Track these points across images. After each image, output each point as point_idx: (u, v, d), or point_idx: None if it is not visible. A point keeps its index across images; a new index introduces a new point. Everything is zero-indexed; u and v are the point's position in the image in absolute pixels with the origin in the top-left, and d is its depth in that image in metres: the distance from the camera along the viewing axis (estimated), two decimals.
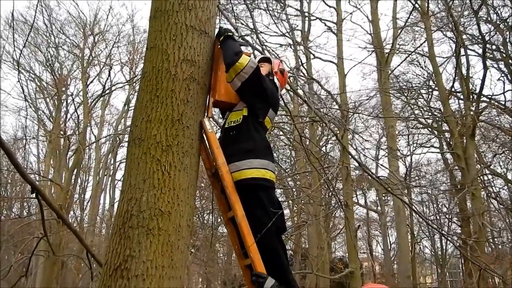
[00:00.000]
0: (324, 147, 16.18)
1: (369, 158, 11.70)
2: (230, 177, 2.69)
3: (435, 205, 22.61)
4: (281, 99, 3.90)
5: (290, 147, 15.47)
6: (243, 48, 2.97)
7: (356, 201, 20.88)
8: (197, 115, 2.65)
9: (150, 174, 2.40)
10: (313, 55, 13.25)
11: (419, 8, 12.83)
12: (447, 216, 19.09)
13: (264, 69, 3.05)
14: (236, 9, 10.32)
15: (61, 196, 13.98)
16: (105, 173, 22.26)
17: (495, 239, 18.07)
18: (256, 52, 3.72)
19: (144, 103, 2.58)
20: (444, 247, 24.39)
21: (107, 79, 19.69)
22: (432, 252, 26.57)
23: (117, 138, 21.33)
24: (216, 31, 2.93)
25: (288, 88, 4.38)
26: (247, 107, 2.88)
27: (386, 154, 13.92)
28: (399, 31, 13.67)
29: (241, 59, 2.74)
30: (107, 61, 19.66)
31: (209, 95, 2.82)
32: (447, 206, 21.23)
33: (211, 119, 2.82)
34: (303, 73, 12.20)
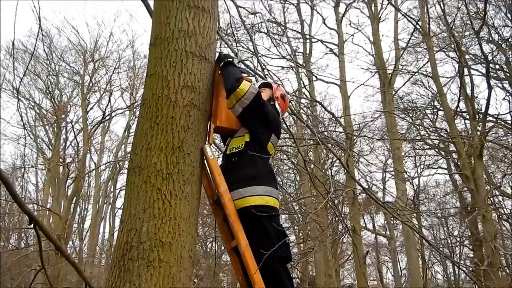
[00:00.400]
0: (329, 170, 16.14)
1: (374, 184, 11.62)
2: (232, 204, 2.68)
3: (445, 229, 22.31)
4: (283, 122, 3.91)
5: (294, 171, 15.42)
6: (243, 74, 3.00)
7: (364, 225, 20.65)
8: (198, 141, 2.66)
9: (150, 203, 2.39)
10: (316, 77, 13.37)
11: (421, 29, 12.98)
12: (458, 240, 18.81)
13: (265, 95, 3.06)
14: (236, 33, 10.46)
15: (60, 225, 13.88)
16: (105, 201, 22.15)
17: (510, 262, 17.73)
18: (257, 77, 3.75)
19: (144, 130, 2.59)
20: (457, 272, 23.94)
21: (107, 105, 19.87)
22: (445, 278, 26.05)
23: (117, 165, 21.32)
24: (216, 56, 2.97)
25: (290, 111, 4.40)
26: (249, 133, 2.89)
27: (393, 177, 13.86)
28: (401, 52, 13.81)
29: (242, 85, 2.76)
30: (107, 87, 19.89)
31: (210, 121, 2.84)
32: (457, 229, 20.96)
33: (212, 145, 2.83)
34: (306, 95, 12.29)
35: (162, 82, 2.65)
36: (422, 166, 18.94)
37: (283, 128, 4.24)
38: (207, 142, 2.77)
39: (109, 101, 19.86)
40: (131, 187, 2.50)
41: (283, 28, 13.62)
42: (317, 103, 12.32)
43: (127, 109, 20.62)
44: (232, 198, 2.69)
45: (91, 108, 19.81)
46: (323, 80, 13.06)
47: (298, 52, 14.44)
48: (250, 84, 2.83)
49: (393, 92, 13.39)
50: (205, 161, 2.74)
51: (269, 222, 2.70)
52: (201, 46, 2.80)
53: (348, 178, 9.81)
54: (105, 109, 19.84)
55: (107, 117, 20.20)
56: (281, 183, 15.20)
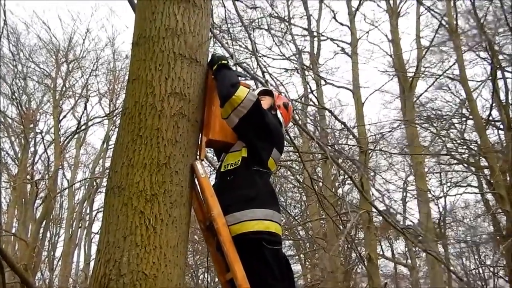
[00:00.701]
0: (340, 188, 16.14)
1: (392, 206, 11.59)
2: (227, 230, 2.67)
3: (476, 257, 22.21)
4: (286, 134, 3.92)
5: (300, 190, 15.40)
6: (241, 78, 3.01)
7: (381, 253, 20.56)
8: (187, 157, 2.66)
9: (132, 229, 2.39)
10: (325, 80, 13.42)
11: (447, 26, 13.07)
12: (491, 270, 18.70)
13: (265, 103, 3.07)
14: (232, 31, 10.54)
15: (27, 254, 13.84)
16: (80, 225, 22.07)
17: None
18: (256, 82, 3.77)
19: (125, 144, 2.60)
20: None
21: (83, 113, 19.92)
22: None
23: (94, 183, 21.30)
24: (209, 58, 2.99)
25: (295, 122, 4.42)
26: (246, 147, 2.89)
27: (415, 197, 13.83)
28: (424, 51, 13.89)
29: (238, 92, 2.76)
30: (83, 92, 19.96)
31: (201, 134, 2.85)
32: (491, 257, 20.87)
33: (204, 161, 2.83)
34: (313, 102, 12.34)
35: (146, 88, 2.66)
36: (448, 184, 18.92)
37: (286, 140, 4.25)
38: (198, 158, 2.77)
39: (85, 108, 19.93)
40: (109, 210, 2.50)
41: (287, 24, 13.71)
42: (326, 111, 12.39)
43: (106, 117, 20.67)
44: (227, 223, 2.68)
45: (64, 117, 19.88)
46: (333, 85, 13.09)
47: (304, 52, 14.53)
48: (248, 90, 2.84)
49: (415, 98, 13.44)
50: (195, 179, 2.74)
51: (270, 251, 2.70)
52: (192, 47, 2.82)
53: (362, 198, 9.79)
54: (81, 118, 19.90)
55: (83, 127, 20.24)
56: (284, 204, 15.17)
